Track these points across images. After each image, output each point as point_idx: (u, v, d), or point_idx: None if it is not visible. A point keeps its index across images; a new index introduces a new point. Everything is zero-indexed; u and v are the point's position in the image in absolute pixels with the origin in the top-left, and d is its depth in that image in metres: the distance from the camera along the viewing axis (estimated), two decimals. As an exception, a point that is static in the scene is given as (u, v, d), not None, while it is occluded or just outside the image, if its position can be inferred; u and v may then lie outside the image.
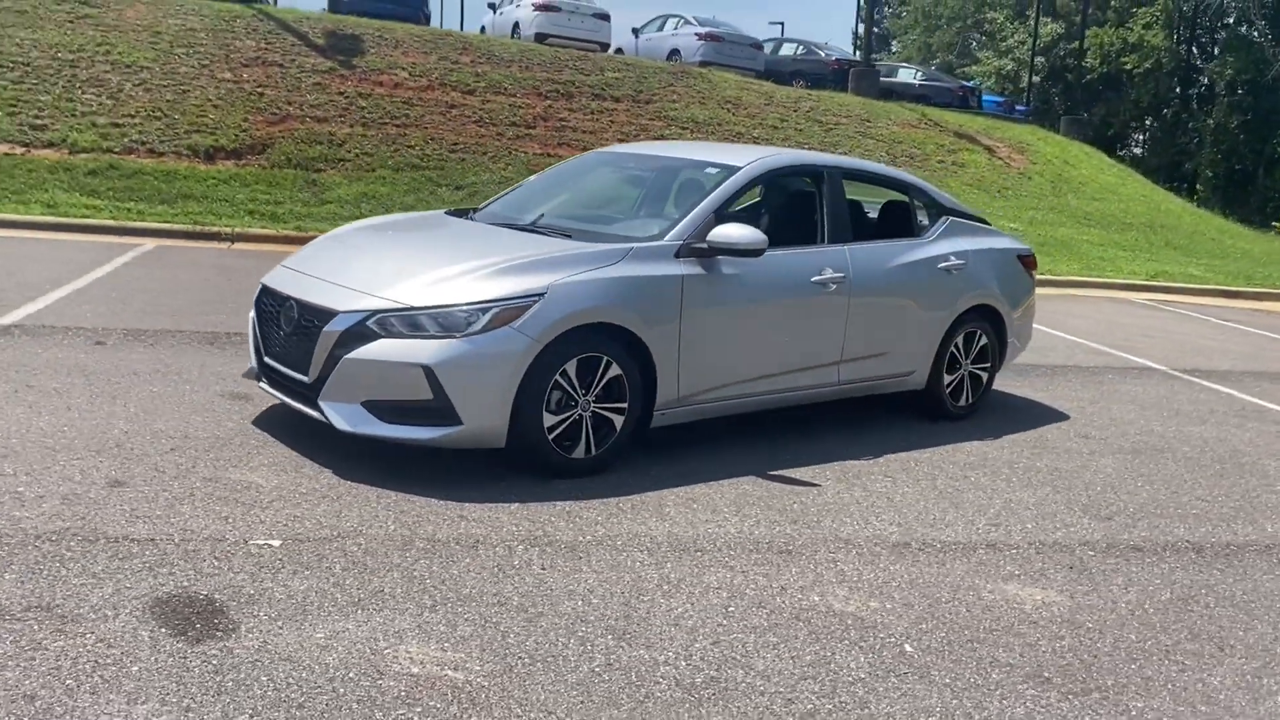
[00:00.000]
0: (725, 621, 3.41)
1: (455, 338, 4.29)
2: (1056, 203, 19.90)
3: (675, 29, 22.44)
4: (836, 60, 23.77)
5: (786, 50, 24.79)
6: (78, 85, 14.18)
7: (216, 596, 3.21)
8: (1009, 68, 45.87)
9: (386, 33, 17.67)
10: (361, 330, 4.33)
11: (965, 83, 30.15)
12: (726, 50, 21.49)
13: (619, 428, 4.75)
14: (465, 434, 4.34)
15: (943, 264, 6.08)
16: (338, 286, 4.56)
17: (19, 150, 12.78)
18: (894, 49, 56.97)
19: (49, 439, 4.46)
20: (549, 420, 4.50)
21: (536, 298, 4.42)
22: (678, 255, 4.93)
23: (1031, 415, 6.75)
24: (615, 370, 4.67)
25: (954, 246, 6.21)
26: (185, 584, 3.27)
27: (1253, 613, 3.94)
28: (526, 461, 4.56)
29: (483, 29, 22.79)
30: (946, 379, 6.23)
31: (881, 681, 3.11)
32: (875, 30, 64.38)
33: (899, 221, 6.28)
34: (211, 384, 5.53)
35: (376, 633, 3.09)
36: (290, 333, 4.60)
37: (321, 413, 4.39)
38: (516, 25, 20.96)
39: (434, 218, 5.89)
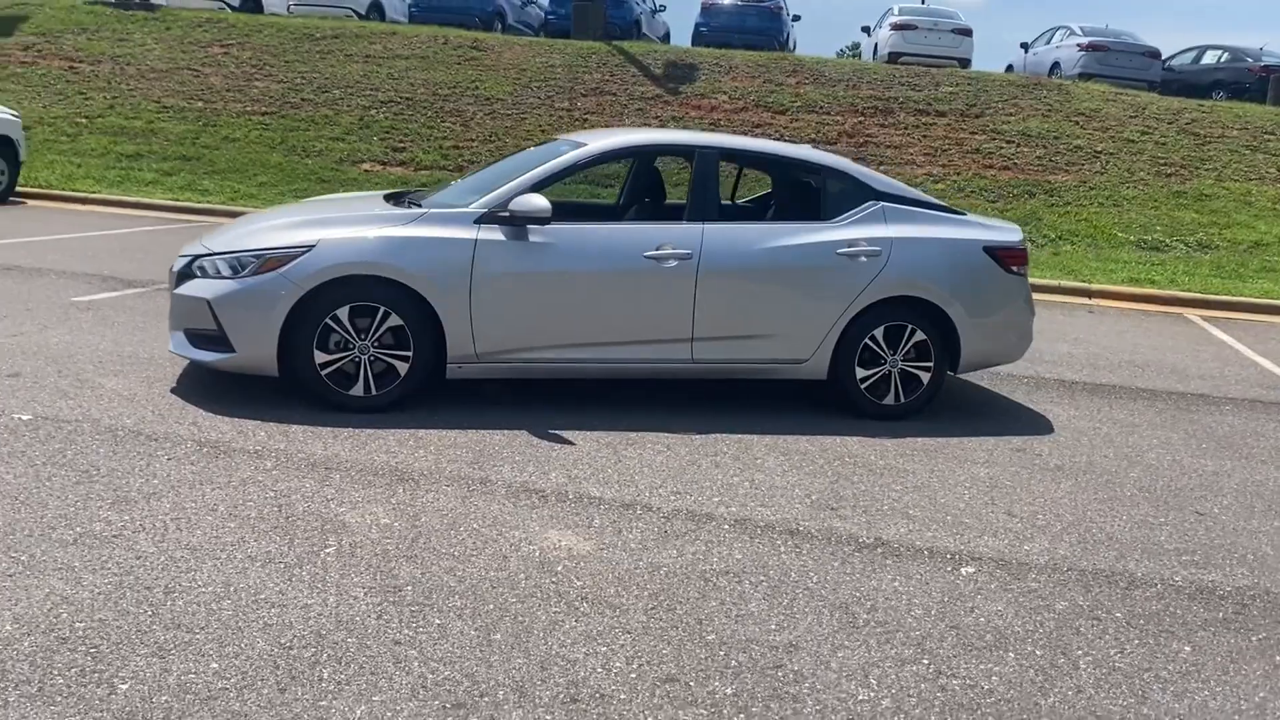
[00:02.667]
0: (218, 509, 3.99)
1: (233, 279, 5.21)
2: None
3: (1060, 41, 20.94)
4: (1264, 67, 20.56)
5: (1209, 59, 21.90)
6: (441, 115, 16.93)
7: (-82, 437, 4.44)
8: None
9: (724, 60, 18.74)
10: (187, 271, 5.41)
11: None
12: (1111, 60, 19.66)
13: (403, 374, 5.35)
14: (239, 360, 5.24)
15: (843, 250, 5.80)
16: (200, 241, 5.68)
17: (378, 167, 15.66)
18: None
19: (32, 345, 6.06)
20: (321, 358, 5.25)
21: (306, 249, 5.20)
22: (479, 221, 5.40)
23: (999, 424, 6.09)
24: (395, 320, 5.29)
25: (869, 233, 5.87)
26: (-85, 428, 4.55)
27: (781, 597, 3.64)
28: (307, 393, 5.33)
29: (858, 54, 23.00)
30: (861, 373, 5.90)
31: (243, 571, 3.54)
32: None
33: (802, 205, 6.08)
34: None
35: (-40, 469, 4.12)
36: (177, 277, 5.81)
37: (170, 337, 5.55)
38: (876, 47, 20.98)
39: (358, 196, 6.77)
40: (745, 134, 16.46)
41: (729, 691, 3.00)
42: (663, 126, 16.65)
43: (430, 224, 5.38)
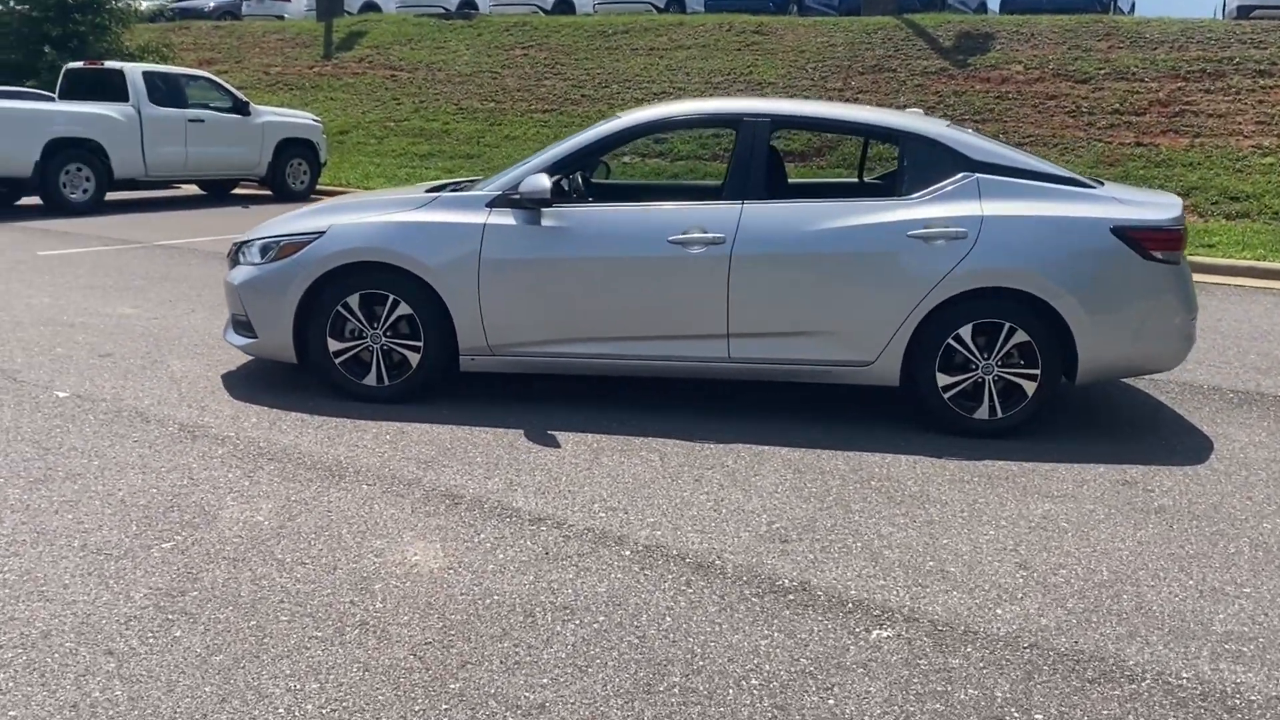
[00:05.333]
0: (118, 494, 3.97)
1: (257, 265, 5.25)
2: None
3: None
4: None
5: None
6: (710, 103, 16.65)
7: (-49, 410, 4.85)
8: None
9: (1026, 26, 16.98)
10: (235, 258, 5.53)
11: None
12: None
13: (415, 365, 5.16)
14: (262, 345, 5.28)
15: (916, 231, 4.87)
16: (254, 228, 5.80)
17: (637, 159, 15.68)
18: None
19: (156, 327, 6.52)
20: (335, 346, 5.17)
21: (317, 235, 5.13)
22: (491, 205, 5.08)
23: (1132, 448, 4.86)
24: (405, 309, 5.10)
25: (954, 210, 4.89)
26: (-42, 401, 4.98)
27: (593, 646, 3.03)
28: (322, 381, 5.28)
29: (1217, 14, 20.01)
30: (944, 380, 4.95)
31: (57, 560, 3.48)
32: None
33: (885, 179, 5.16)
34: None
35: (-58, 441, 4.43)
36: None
37: (237, 326, 5.71)
38: (1225, 3, 18.08)
39: (422, 185, 6.57)
40: (1033, 107, 14.80)
41: (395, 759, 2.48)
42: (940, 101, 15.36)
43: (441, 209, 5.11)
